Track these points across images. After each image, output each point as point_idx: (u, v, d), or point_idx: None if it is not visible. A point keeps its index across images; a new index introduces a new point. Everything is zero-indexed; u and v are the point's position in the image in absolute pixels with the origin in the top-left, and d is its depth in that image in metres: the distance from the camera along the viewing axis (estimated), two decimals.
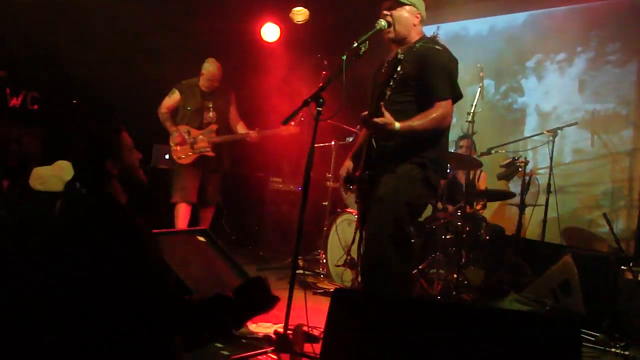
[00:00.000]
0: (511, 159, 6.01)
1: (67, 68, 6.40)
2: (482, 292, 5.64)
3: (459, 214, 5.74)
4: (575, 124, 6.07)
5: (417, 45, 3.82)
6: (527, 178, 5.95)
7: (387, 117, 3.49)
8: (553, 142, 5.85)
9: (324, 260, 6.30)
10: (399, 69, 3.52)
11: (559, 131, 5.92)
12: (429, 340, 2.27)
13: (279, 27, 7.86)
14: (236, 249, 7.27)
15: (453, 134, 7.24)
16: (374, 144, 3.75)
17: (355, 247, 5.59)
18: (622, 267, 4.99)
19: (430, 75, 3.69)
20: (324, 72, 6.40)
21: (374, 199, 3.72)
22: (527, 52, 7.20)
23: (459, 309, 2.47)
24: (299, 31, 8.01)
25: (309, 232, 6.73)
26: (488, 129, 7.19)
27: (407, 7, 3.81)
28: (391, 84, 3.68)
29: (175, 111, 6.63)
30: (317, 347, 3.29)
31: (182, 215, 6.44)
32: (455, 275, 5.48)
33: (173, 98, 6.60)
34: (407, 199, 3.66)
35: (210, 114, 6.56)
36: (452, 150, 6.48)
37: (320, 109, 3.49)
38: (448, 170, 6.08)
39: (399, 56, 3.47)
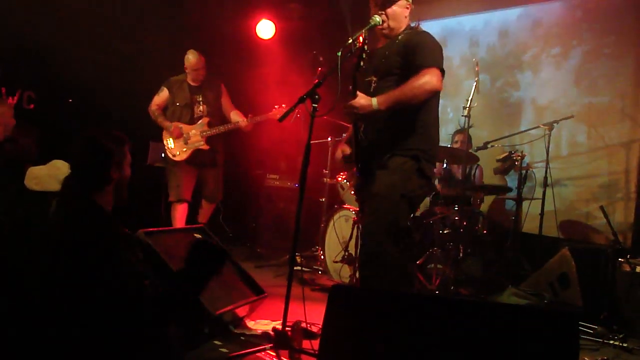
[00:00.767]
0: (508, 153, 6.01)
1: (62, 67, 6.39)
2: (480, 286, 5.64)
3: (456, 208, 5.74)
4: (572, 117, 6.06)
5: (400, 35, 3.88)
6: (523, 172, 5.95)
7: (361, 96, 3.56)
8: (549, 135, 5.85)
9: (322, 257, 6.29)
10: (364, 55, 3.57)
11: (555, 125, 5.92)
12: (427, 335, 2.27)
13: (274, 24, 7.85)
14: (234, 246, 7.28)
15: (450, 128, 7.28)
16: (362, 135, 3.81)
17: (352, 243, 5.62)
18: (620, 259, 5.00)
19: (415, 52, 3.71)
20: (319, 69, 6.39)
21: (369, 195, 3.74)
22: (522, 46, 7.20)
23: (457, 303, 2.47)
24: (295, 28, 8.00)
25: (307, 229, 6.72)
26: (484, 123, 7.20)
27: (399, 2, 3.85)
28: (377, 73, 3.82)
29: (165, 108, 6.60)
30: (316, 344, 3.30)
31: (179, 214, 6.42)
32: (453, 270, 5.48)
33: (162, 95, 6.58)
34: (403, 192, 3.69)
35: (201, 107, 6.54)
36: (449, 145, 6.49)
37: (316, 105, 3.50)
38: (445, 165, 6.11)
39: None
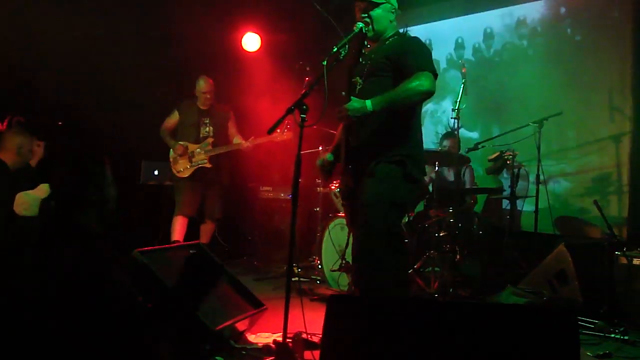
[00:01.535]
0: (499, 153, 6.02)
1: (50, 90, 6.38)
2: (479, 287, 5.64)
3: (451, 210, 5.75)
4: (560, 113, 6.07)
5: (388, 40, 3.90)
6: (515, 170, 5.96)
7: (355, 100, 3.59)
8: (539, 132, 5.86)
9: (319, 266, 6.29)
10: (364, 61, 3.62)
11: (544, 122, 5.92)
12: (427, 340, 2.27)
13: (260, 36, 7.86)
14: (231, 261, 7.27)
15: (440, 129, 7.29)
16: (350, 140, 3.83)
17: (349, 250, 5.61)
18: (616, 252, 5.01)
19: (407, 56, 3.71)
20: (307, 78, 6.41)
21: (359, 205, 3.74)
22: (508, 45, 7.23)
23: (456, 307, 2.47)
24: (280, 39, 8.01)
25: (303, 239, 6.74)
26: (474, 125, 7.22)
27: (382, 5, 3.85)
28: (362, 75, 3.84)
29: (175, 129, 6.84)
30: (318, 354, 3.29)
31: (178, 228, 6.51)
32: (451, 272, 5.49)
33: (172, 118, 6.86)
34: (392, 199, 3.68)
35: (207, 128, 6.77)
36: (438, 149, 6.50)
37: (305, 115, 3.50)
38: (436, 168, 6.11)
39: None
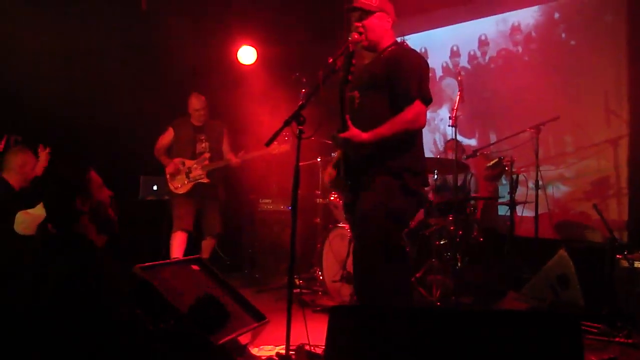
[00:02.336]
0: (497, 159, 6.02)
1: (49, 108, 6.37)
2: (481, 294, 5.63)
3: (451, 218, 5.74)
4: (557, 118, 6.08)
5: (386, 52, 3.88)
6: (514, 176, 5.96)
7: (352, 130, 3.59)
8: (537, 138, 5.87)
9: (321, 277, 6.27)
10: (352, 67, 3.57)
11: (541, 127, 5.93)
12: (431, 349, 2.26)
13: (256, 49, 7.88)
14: (232, 274, 7.25)
15: (437, 138, 7.30)
16: (349, 154, 3.83)
17: (350, 261, 5.60)
18: (617, 255, 5.00)
19: (401, 76, 3.71)
20: (303, 90, 6.41)
21: (357, 217, 3.75)
22: (503, 52, 7.25)
23: (459, 315, 2.47)
24: (276, 51, 8.03)
25: (303, 250, 6.73)
26: (471, 132, 7.23)
27: (377, 14, 3.84)
28: (358, 87, 3.82)
29: (170, 147, 6.81)
30: None
31: (177, 243, 6.49)
32: (453, 280, 5.48)
33: (166, 135, 6.82)
34: (388, 211, 3.67)
35: (203, 144, 6.75)
36: (440, 155, 6.51)
37: (302, 127, 3.50)
38: (435, 176, 6.12)
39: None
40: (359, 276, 3.80)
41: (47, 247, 2.71)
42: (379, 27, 3.87)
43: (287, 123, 3.52)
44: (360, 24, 3.83)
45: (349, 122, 3.60)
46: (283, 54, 7.97)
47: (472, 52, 7.59)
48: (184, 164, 6.66)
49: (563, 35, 6.72)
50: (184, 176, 6.65)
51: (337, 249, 5.96)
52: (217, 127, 6.91)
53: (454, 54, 7.79)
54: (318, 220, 6.78)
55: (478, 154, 6.22)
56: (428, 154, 6.97)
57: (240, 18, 7.82)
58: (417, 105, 3.66)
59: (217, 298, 3.01)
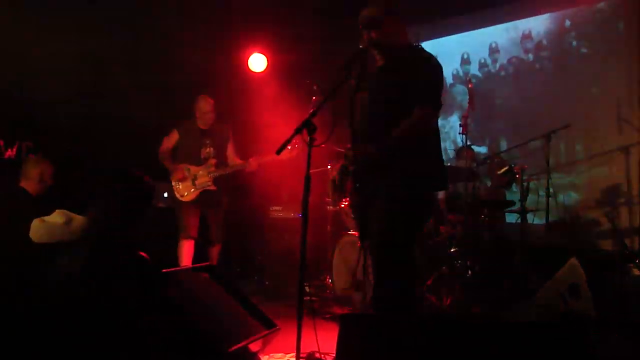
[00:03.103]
0: (508, 167, 6.01)
1: (60, 114, 6.41)
2: (491, 302, 5.61)
3: (462, 226, 5.73)
4: (568, 126, 6.07)
5: (403, 52, 3.87)
6: (525, 184, 5.95)
7: (363, 147, 3.66)
8: (547, 145, 5.85)
9: (331, 285, 6.27)
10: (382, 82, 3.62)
11: (552, 135, 5.92)
12: (440, 358, 2.26)
13: (266, 56, 7.90)
14: (242, 281, 7.26)
15: (447, 145, 7.30)
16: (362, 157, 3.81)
17: (360, 268, 5.60)
18: (629, 264, 4.98)
19: (415, 81, 3.70)
20: (314, 98, 6.41)
21: (374, 222, 3.74)
22: (514, 59, 7.24)
23: (469, 323, 2.47)
24: (287, 59, 8.05)
25: (314, 258, 6.72)
26: (482, 139, 7.22)
27: (385, 20, 3.83)
28: (375, 96, 3.84)
29: (174, 151, 6.71)
30: None
31: (186, 251, 6.44)
32: (463, 288, 5.46)
33: (171, 138, 6.69)
34: (406, 221, 3.70)
35: (208, 149, 6.63)
36: (453, 163, 6.49)
37: (313, 135, 3.50)
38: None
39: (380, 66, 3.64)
40: (377, 286, 3.79)
41: (102, 244, 2.75)
42: (389, 30, 3.83)
43: (298, 131, 3.53)
44: (371, 31, 3.83)
45: (359, 138, 3.64)
46: (294, 61, 7.99)
47: (482, 60, 7.59)
48: (189, 170, 6.56)
49: (574, 43, 6.71)
50: (190, 183, 6.54)
51: (347, 257, 5.96)
52: (223, 131, 6.80)
53: (465, 61, 7.79)
54: (329, 227, 6.78)
55: (488, 161, 6.21)
56: None
57: (251, 26, 7.83)
58: (429, 110, 3.68)
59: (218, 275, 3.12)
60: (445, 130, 7.82)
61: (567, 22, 6.80)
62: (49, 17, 6.31)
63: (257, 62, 7.89)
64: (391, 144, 3.64)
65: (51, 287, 2.77)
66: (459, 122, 5.76)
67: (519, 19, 7.21)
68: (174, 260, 6.48)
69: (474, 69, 7.65)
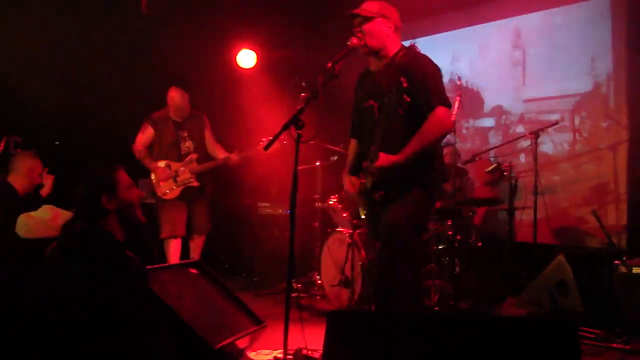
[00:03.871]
0: (496, 165, 6.02)
1: (46, 110, 6.38)
2: (479, 299, 5.63)
3: (449, 223, 5.74)
4: (556, 123, 6.10)
5: (397, 58, 3.85)
6: (513, 181, 5.96)
7: (383, 158, 3.61)
8: (536, 143, 5.87)
9: (319, 282, 6.28)
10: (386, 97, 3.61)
11: (540, 132, 5.93)
12: (428, 355, 2.26)
13: (255, 52, 7.88)
14: (230, 277, 7.26)
15: None
16: (370, 162, 3.76)
17: (348, 265, 5.61)
18: (616, 261, 5.00)
19: (420, 86, 3.68)
20: (302, 94, 6.38)
21: (385, 226, 3.77)
22: (504, 57, 7.25)
23: (456, 320, 2.47)
24: (276, 55, 8.04)
25: (302, 254, 6.72)
26: (471, 137, 7.23)
27: (377, 20, 3.82)
28: (375, 98, 3.84)
29: (151, 146, 6.54)
30: None
31: (173, 249, 6.36)
32: (451, 285, 5.48)
33: (146, 134, 6.51)
34: (417, 222, 3.83)
35: (187, 143, 6.47)
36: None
37: (300, 131, 3.50)
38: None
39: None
40: (384, 283, 3.80)
41: (71, 244, 2.74)
42: (378, 32, 3.83)
43: (285, 127, 3.53)
44: (359, 29, 3.82)
45: (378, 148, 3.65)
46: (283, 57, 7.98)
47: (472, 57, 7.59)
48: (170, 167, 6.40)
49: (563, 40, 6.71)
50: (171, 181, 6.38)
51: (335, 253, 5.96)
52: (198, 119, 6.60)
53: (455, 59, 7.78)
54: (317, 224, 6.78)
55: (477, 158, 6.22)
56: None
57: (239, 22, 7.81)
58: (440, 110, 3.69)
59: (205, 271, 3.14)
60: None
61: (557, 20, 6.79)
62: (37, 11, 6.29)
63: (246, 58, 7.86)
64: (411, 151, 3.65)
65: (37, 285, 2.75)
66: None
67: (509, 17, 7.21)
68: (161, 255, 6.44)
69: (463, 67, 7.64)
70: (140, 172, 6.94)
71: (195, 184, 6.43)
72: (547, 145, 6.62)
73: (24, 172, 5.26)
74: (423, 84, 3.70)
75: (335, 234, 6.08)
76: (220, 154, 6.59)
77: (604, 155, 6.30)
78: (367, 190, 3.85)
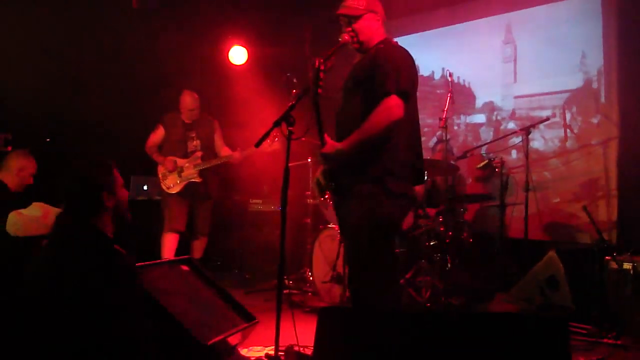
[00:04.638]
0: (487, 161, 6.03)
1: (38, 107, 6.35)
2: (470, 295, 5.64)
3: (441, 220, 5.75)
4: (547, 119, 6.11)
5: (374, 49, 3.81)
6: (504, 178, 5.97)
7: (327, 145, 3.59)
8: (527, 139, 5.88)
9: (311, 278, 6.28)
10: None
11: (531, 129, 5.94)
12: (419, 352, 2.26)
13: (247, 49, 7.86)
14: (222, 274, 7.25)
15: (429, 141, 7.32)
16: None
17: (340, 262, 5.61)
18: (606, 257, 5.02)
19: (378, 72, 3.60)
20: (294, 91, 6.38)
21: (345, 227, 3.77)
22: (494, 53, 7.25)
23: (446, 317, 2.47)
24: (267, 52, 8.02)
25: (293, 251, 6.73)
26: (462, 133, 7.24)
27: (365, 16, 3.81)
28: (343, 89, 3.83)
29: (161, 145, 6.76)
30: None
31: (168, 244, 6.44)
32: (442, 281, 5.49)
33: (157, 133, 6.75)
34: (375, 221, 3.57)
35: (194, 142, 6.70)
36: (429, 157, 6.51)
37: (292, 128, 3.49)
38: (425, 178, 6.11)
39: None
40: (352, 282, 3.80)
41: (64, 239, 2.74)
42: (368, 28, 3.80)
43: (276, 124, 3.51)
44: (350, 28, 3.80)
45: (326, 136, 3.59)
46: (274, 54, 7.97)
47: (463, 54, 7.59)
48: (175, 162, 6.60)
49: (555, 36, 6.71)
50: (176, 175, 6.59)
51: (327, 250, 5.97)
52: (208, 122, 6.85)
53: (446, 55, 7.78)
54: (308, 220, 6.79)
55: (468, 155, 6.23)
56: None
57: (231, 18, 7.79)
58: (392, 99, 3.51)
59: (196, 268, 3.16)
60: (424, 123, 7.82)
61: (548, 16, 6.80)
62: (27, 8, 6.25)
63: (238, 54, 7.85)
64: (356, 139, 3.53)
65: (26, 282, 2.74)
66: (439, 116, 5.76)
67: (500, 13, 7.22)
68: (157, 253, 6.45)
69: (454, 63, 7.64)
70: (133, 170, 6.99)
71: (198, 179, 6.61)
72: (538, 141, 6.64)
73: (14, 171, 5.23)
74: (383, 69, 3.59)
75: (327, 230, 6.09)
76: (224, 153, 6.78)
77: (595, 151, 6.31)
78: (320, 180, 3.83)
